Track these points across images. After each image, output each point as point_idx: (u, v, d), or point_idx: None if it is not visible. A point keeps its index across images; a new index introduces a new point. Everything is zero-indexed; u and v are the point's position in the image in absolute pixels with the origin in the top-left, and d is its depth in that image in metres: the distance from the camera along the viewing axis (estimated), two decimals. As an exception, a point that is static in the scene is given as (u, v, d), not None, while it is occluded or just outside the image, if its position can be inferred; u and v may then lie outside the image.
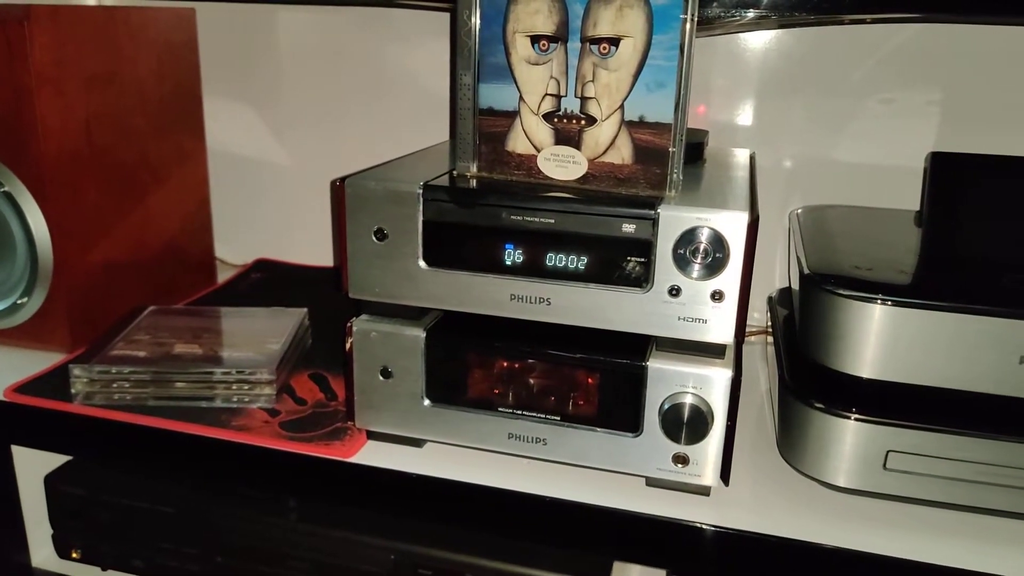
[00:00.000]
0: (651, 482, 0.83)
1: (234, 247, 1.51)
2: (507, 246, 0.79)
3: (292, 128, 1.43)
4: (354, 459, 0.88)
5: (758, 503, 0.81)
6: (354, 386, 0.88)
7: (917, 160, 1.15)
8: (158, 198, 1.24)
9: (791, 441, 0.83)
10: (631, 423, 0.80)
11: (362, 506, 0.89)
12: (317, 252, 1.48)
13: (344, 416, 0.95)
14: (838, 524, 0.78)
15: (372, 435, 0.91)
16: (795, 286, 0.94)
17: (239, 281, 1.41)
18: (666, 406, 0.78)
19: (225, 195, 1.48)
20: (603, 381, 0.80)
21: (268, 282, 1.40)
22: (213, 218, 1.41)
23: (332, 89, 1.39)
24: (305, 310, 1.16)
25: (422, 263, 0.82)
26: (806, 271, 0.83)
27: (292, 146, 1.44)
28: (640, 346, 0.81)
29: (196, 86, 1.32)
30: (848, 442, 0.77)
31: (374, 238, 0.83)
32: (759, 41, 1.18)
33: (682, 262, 0.75)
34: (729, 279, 0.74)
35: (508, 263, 0.80)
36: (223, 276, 1.43)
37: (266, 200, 1.48)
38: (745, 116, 1.20)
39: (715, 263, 0.74)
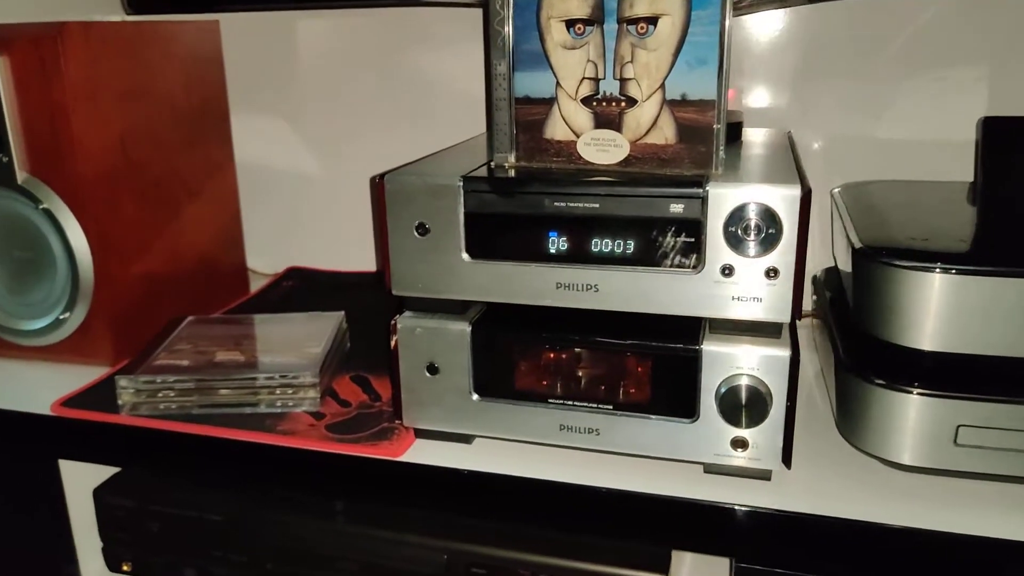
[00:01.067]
0: (709, 468, 0.81)
1: (265, 257, 1.52)
2: (551, 234, 0.78)
3: (317, 135, 1.43)
4: (403, 458, 0.87)
5: (821, 485, 0.79)
6: (400, 384, 0.87)
7: (956, 133, 1.12)
8: (191, 210, 1.24)
9: (851, 420, 0.81)
10: (687, 408, 0.78)
11: (413, 505, 0.88)
12: (348, 258, 1.48)
13: (390, 416, 0.94)
14: (905, 503, 0.75)
15: (420, 433, 0.90)
16: (843, 264, 0.92)
17: (271, 290, 1.41)
18: (723, 389, 0.76)
19: (253, 205, 1.48)
20: (657, 367, 0.78)
21: (301, 289, 1.40)
22: (244, 228, 1.42)
23: (355, 94, 1.39)
24: (342, 313, 1.16)
25: (465, 256, 0.81)
26: (858, 246, 0.81)
27: (318, 153, 1.45)
28: (693, 329, 0.79)
29: (223, 98, 1.33)
30: (913, 418, 0.75)
31: (416, 233, 0.82)
32: (787, 19, 1.16)
33: (734, 240, 0.73)
34: (783, 255, 0.72)
35: (552, 251, 0.79)
36: (255, 286, 1.44)
37: (294, 209, 1.48)
38: (775, 97, 1.19)
39: (768, 239, 0.72)
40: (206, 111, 1.28)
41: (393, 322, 0.86)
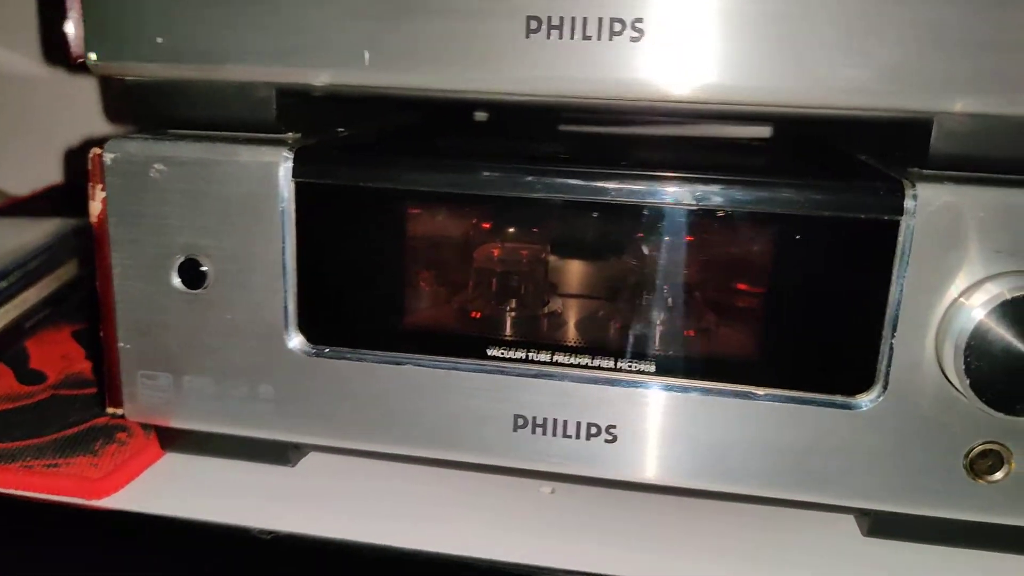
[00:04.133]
0: (880, 523, 0.32)
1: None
2: None
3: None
4: (110, 502, 0.34)
5: None
6: (115, 318, 0.35)
7: None
8: None
9: None
10: (857, 369, 0.30)
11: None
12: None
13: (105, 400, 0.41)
14: None
15: (169, 439, 0.37)
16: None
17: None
18: (972, 318, 0.28)
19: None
20: (790, 245, 0.30)
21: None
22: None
23: None
24: (71, 223, 0.60)
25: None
26: None
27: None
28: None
29: None
30: None
31: None
32: None
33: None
34: None
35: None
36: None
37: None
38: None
39: None
40: None
41: (94, 153, 0.34)
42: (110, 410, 0.37)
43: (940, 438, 0.30)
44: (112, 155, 0.33)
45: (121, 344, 0.35)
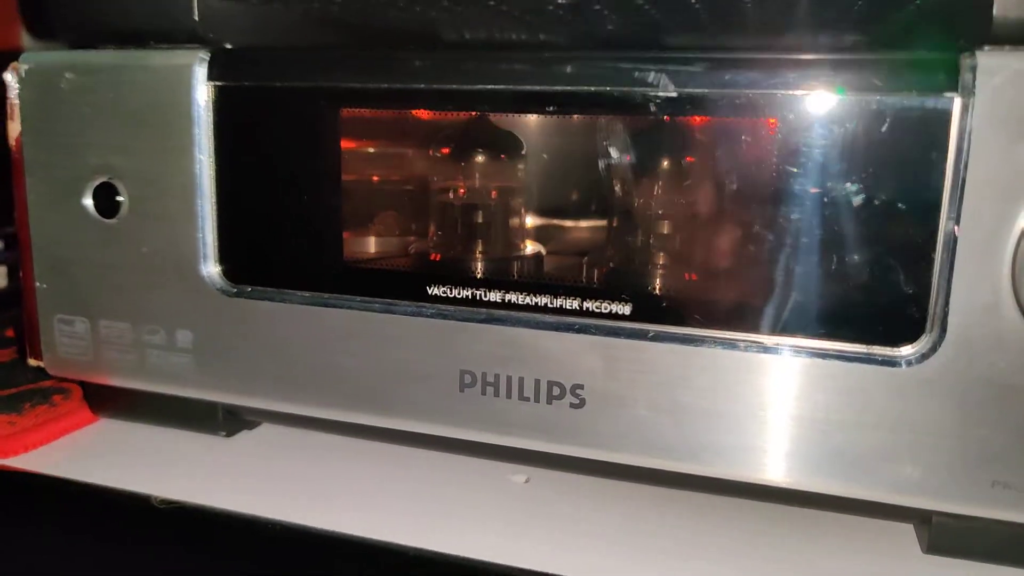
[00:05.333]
0: (940, 535, 0.24)
1: None
2: None
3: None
4: (23, 461, 0.30)
5: None
6: (32, 254, 0.31)
7: None
8: None
9: None
10: (907, 301, 0.22)
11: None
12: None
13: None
14: None
15: (97, 401, 0.33)
16: None
17: None
18: None
19: None
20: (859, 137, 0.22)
21: None
22: None
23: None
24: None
25: None
26: None
27: None
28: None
29: None
30: None
31: None
32: None
33: None
34: None
35: None
36: None
37: None
38: None
39: None
40: None
41: (12, 66, 0.31)
42: (31, 362, 0.34)
43: (1022, 407, 0.22)
44: (26, 66, 0.30)
45: (38, 284, 0.31)
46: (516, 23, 0.28)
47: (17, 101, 0.30)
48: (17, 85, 0.30)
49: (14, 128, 0.31)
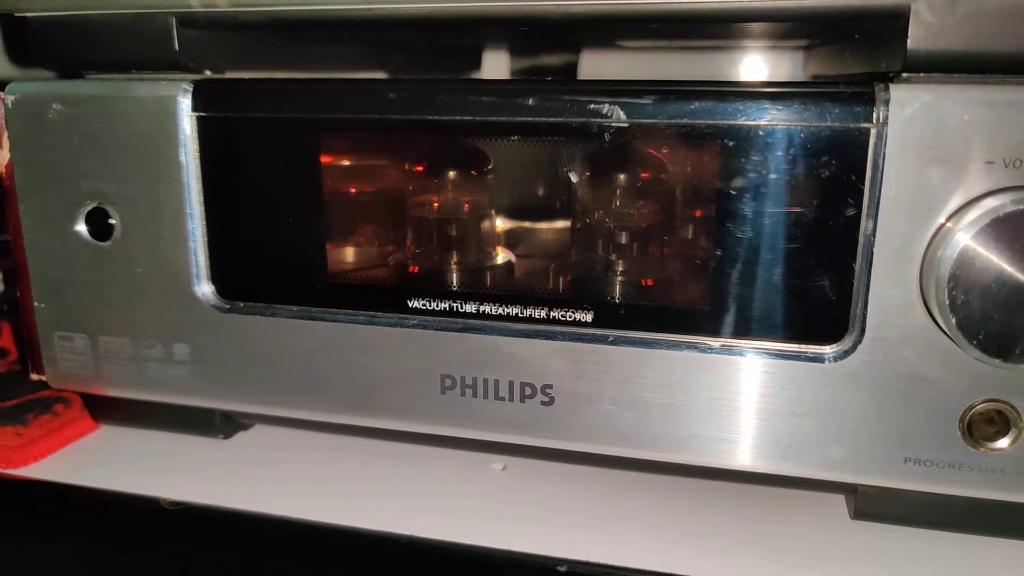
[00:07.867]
0: (865, 505, 0.28)
1: None
2: None
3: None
4: (32, 471, 0.32)
5: None
6: (30, 273, 0.33)
7: None
8: None
9: None
10: (828, 309, 0.25)
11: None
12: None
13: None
14: None
15: (98, 410, 0.35)
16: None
17: None
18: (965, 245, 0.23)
19: None
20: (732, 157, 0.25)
21: None
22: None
23: None
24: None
25: None
26: None
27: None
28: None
29: None
30: None
31: None
32: None
33: None
34: None
35: None
36: None
37: None
38: None
39: None
40: None
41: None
42: (34, 377, 0.36)
43: (931, 396, 0.25)
44: (12, 97, 0.31)
45: (36, 303, 0.33)
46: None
47: (7, 130, 0.31)
48: (3, 115, 0.31)
49: (3, 156, 0.32)
